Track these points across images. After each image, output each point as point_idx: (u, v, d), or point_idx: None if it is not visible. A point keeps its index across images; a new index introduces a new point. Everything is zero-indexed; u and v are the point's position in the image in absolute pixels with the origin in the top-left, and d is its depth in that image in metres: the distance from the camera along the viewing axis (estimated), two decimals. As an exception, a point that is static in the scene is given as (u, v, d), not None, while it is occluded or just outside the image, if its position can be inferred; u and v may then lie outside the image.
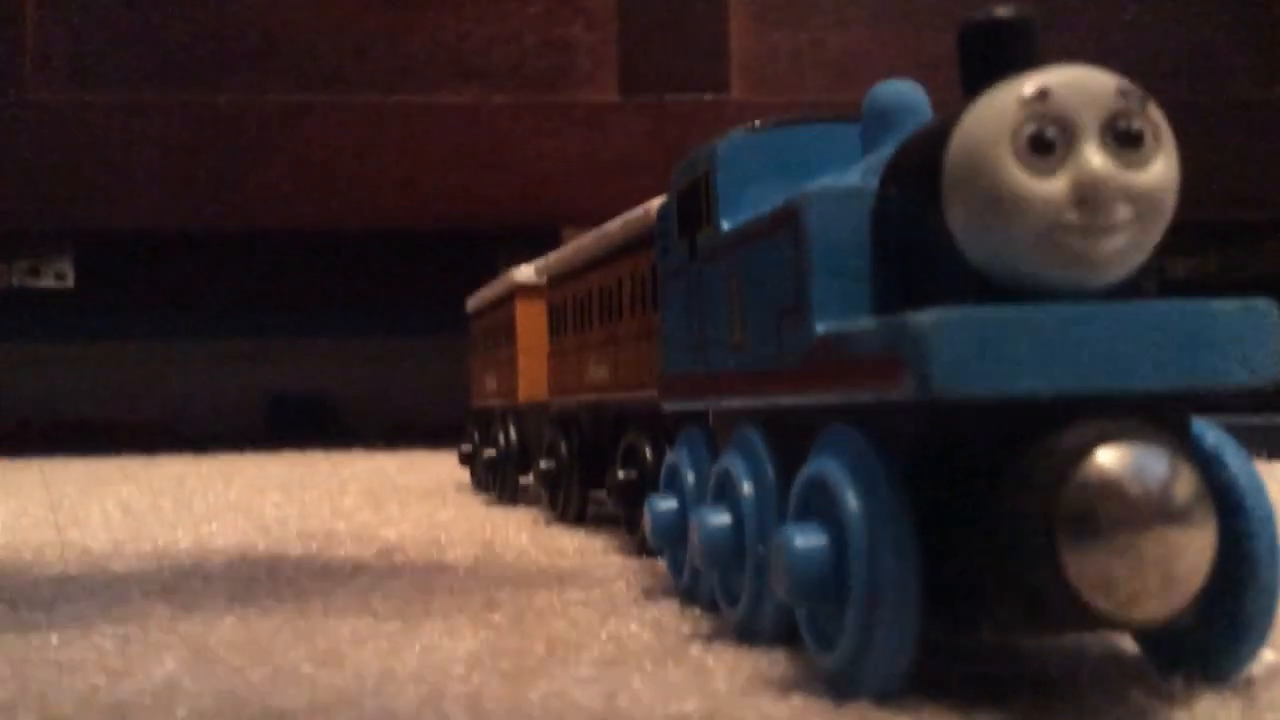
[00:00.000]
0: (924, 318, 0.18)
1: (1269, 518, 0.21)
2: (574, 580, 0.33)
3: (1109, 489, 0.18)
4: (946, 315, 0.18)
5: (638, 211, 0.38)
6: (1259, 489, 0.21)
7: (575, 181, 0.99)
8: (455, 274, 1.18)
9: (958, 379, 0.18)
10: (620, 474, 0.39)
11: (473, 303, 0.66)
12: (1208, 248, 1.57)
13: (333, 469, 0.82)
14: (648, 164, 0.96)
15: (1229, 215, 1.09)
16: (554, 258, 0.50)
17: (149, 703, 0.21)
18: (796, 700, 0.20)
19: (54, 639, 0.27)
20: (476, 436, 0.62)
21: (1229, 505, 0.21)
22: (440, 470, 0.78)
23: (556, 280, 0.50)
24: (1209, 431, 0.21)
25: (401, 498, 0.60)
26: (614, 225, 0.41)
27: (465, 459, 0.63)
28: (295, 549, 0.41)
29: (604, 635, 0.26)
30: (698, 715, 0.19)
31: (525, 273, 0.53)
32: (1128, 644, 0.23)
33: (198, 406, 1.46)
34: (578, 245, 0.45)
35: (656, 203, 0.35)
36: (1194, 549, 0.18)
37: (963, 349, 0.18)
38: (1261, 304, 0.19)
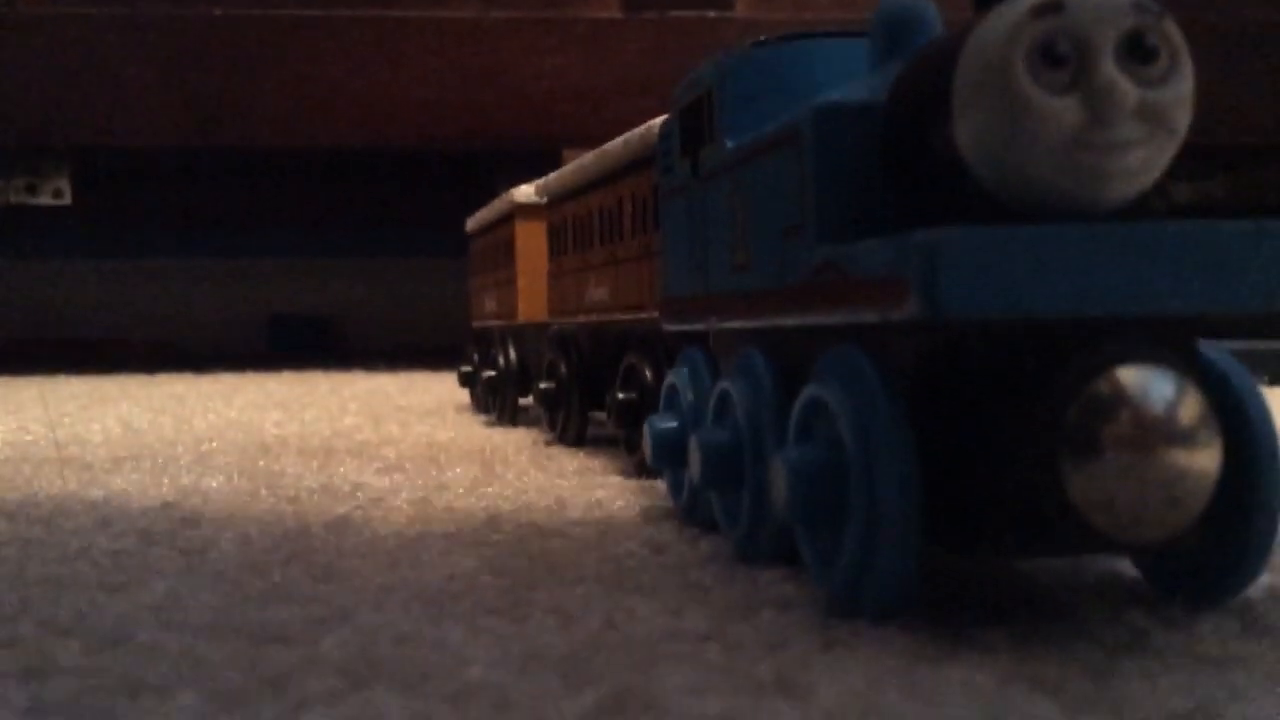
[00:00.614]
0: (931, 236, 0.18)
1: (1274, 442, 0.20)
2: (573, 501, 0.33)
3: (1114, 409, 0.18)
4: (954, 234, 0.18)
5: (639, 130, 0.38)
6: (1264, 414, 0.21)
7: (576, 100, 0.97)
8: (456, 194, 1.17)
9: (965, 299, 0.18)
10: (620, 395, 0.39)
11: (472, 223, 0.65)
12: (1214, 172, 1.56)
13: (333, 388, 0.82)
14: (650, 83, 0.94)
15: (1236, 139, 1.08)
16: (554, 177, 0.49)
17: (147, 617, 0.21)
18: (795, 617, 0.20)
19: (53, 553, 0.27)
20: (476, 357, 0.62)
21: (1234, 429, 0.20)
22: (440, 390, 0.78)
23: (556, 200, 0.49)
24: (1216, 355, 0.21)
25: (401, 417, 0.60)
26: (615, 144, 0.40)
27: (465, 379, 0.63)
28: (295, 466, 0.41)
29: (603, 555, 0.26)
30: (695, 634, 0.19)
31: (525, 192, 0.53)
32: (1126, 567, 0.23)
33: (199, 325, 1.46)
34: (578, 165, 0.45)
35: (659, 122, 0.35)
36: (1197, 472, 0.18)
37: (970, 268, 0.18)
38: (1276, 226, 0.19)
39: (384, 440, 0.49)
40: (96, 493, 0.35)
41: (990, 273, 0.18)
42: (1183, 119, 0.19)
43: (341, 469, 0.40)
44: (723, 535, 0.27)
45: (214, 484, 0.37)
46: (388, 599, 0.22)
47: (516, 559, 0.26)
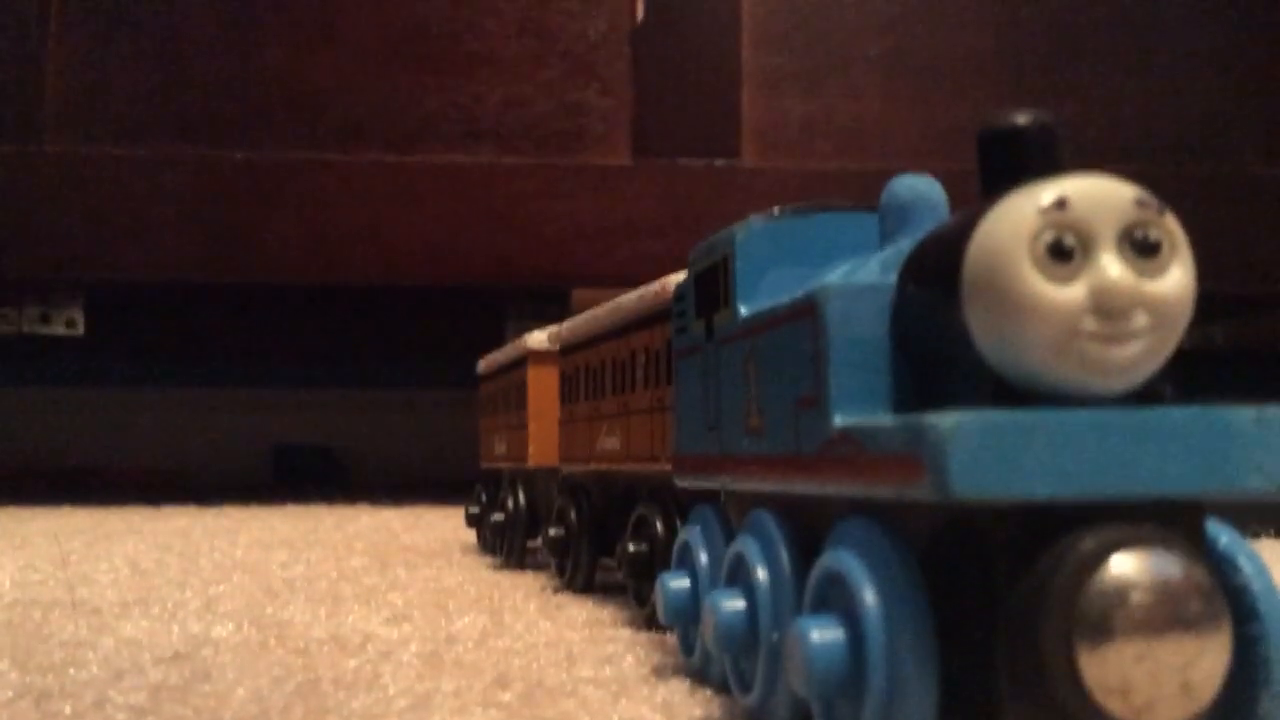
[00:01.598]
0: (944, 420, 0.19)
1: (1281, 621, 0.21)
2: (583, 655, 0.33)
3: (1126, 596, 0.18)
4: (965, 418, 0.19)
5: (654, 286, 0.39)
6: (1272, 593, 0.21)
7: (586, 243, 0.99)
8: (464, 329, 1.19)
9: (975, 481, 0.18)
10: (631, 546, 0.39)
11: (483, 365, 0.66)
12: (1214, 319, 1.58)
13: (338, 524, 0.82)
14: (658, 227, 0.96)
15: (1236, 288, 1.10)
16: (567, 326, 0.50)
17: (165, 783, 0.21)
18: (811, 795, 0.20)
19: (67, 708, 0.27)
20: (484, 498, 0.63)
21: (1242, 609, 0.21)
22: (446, 528, 0.78)
23: (569, 348, 0.50)
24: (1223, 533, 0.22)
25: (408, 559, 0.60)
26: (629, 298, 0.41)
27: (472, 520, 0.63)
28: (302, 614, 0.41)
29: (616, 718, 0.26)
30: (713, 810, 0.19)
31: (538, 339, 0.54)
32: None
33: (204, 456, 1.46)
34: (592, 315, 0.46)
35: (673, 279, 0.36)
36: (1211, 655, 0.18)
37: (981, 452, 0.18)
38: (1277, 412, 0.20)
39: (391, 585, 0.49)
40: (107, 640, 0.35)
41: (1001, 456, 0.18)
42: (1186, 308, 0.20)
43: (350, 617, 0.40)
44: (736, 699, 0.27)
45: (223, 633, 0.37)
46: (404, 767, 0.22)
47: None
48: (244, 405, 1.49)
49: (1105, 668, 0.18)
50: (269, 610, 0.42)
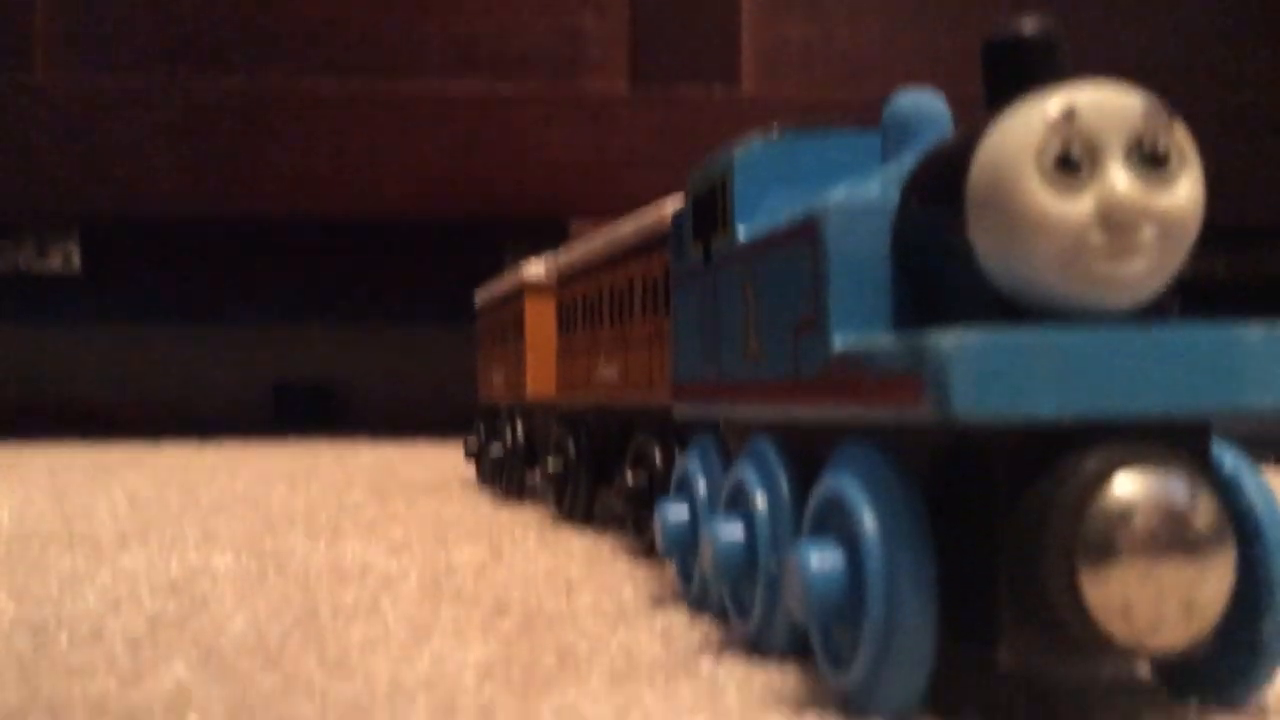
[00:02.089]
0: (946, 339, 0.18)
1: (1288, 542, 0.20)
2: (582, 585, 0.33)
3: (1130, 516, 0.18)
4: (968, 337, 0.18)
5: (651, 212, 0.38)
6: (1275, 516, 0.21)
7: (583, 174, 0.98)
8: (462, 264, 1.18)
9: (978, 402, 0.18)
10: (630, 477, 0.39)
11: (481, 298, 0.66)
12: (1215, 251, 1.57)
13: (338, 460, 0.82)
14: (656, 157, 0.95)
15: (1238, 219, 1.09)
16: (564, 257, 0.49)
17: (159, 710, 0.21)
18: (809, 718, 0.20)
19: (63, 639, 0.26)
20: (483, 431, 0.62)
21: (1246, 530, 0.20)
22: (446, 463, 0.78)
23: (566, 279, 0.50)
24: (1228, 454, 0.21)
25: (408, 492, 0.60)
26: (626, 226, 0.40)
27: (471, 454, 0.63)
28: (302, 545, 0.41)
29: (614, 646, 0.26)
30: (710, 734, 0.19)
31: (534, 270, 0.53)
32: (1141, 667, 0.23)
33: (203, 392, 1.46)
34: (588, 245, 0.45)
35: (670, 204, 0.35)
36: (1214, 577, 0.18)
37: (983, 372, 0.18)
38: (1287, 329, 0.19)
39: (391, 517, 0.49)
40: (105, 572, 0.35)
41: (1004, 375, 0.18)
42: (1194, 222, 0.19)
43: (349, 549, 0.40)
44: (734, 626, 0.27)
45: (222, 564, 0.37)
46: (399, 694, 0.22)
47: (528, 650, 0.25)
48: (243, 342, 1.49)
49: (1107, 589, 0.18)
50: (268, 542, 0.42)
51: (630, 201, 0.40)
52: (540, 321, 0.53)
